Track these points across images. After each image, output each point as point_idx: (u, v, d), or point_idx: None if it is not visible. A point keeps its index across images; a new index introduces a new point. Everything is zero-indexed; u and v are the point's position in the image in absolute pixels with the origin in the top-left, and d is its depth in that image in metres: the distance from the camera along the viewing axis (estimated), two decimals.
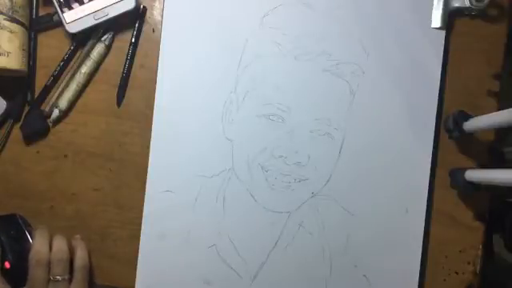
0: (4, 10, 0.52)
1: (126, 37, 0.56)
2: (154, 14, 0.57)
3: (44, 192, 0.56)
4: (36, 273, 0.48)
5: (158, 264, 0.54)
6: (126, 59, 0.55)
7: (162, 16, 0.55)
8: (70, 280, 0.50)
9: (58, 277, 0.48)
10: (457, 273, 0.55)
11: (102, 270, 0.55)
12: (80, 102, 0.56)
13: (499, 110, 0.51)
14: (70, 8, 0.53)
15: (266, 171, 0.53)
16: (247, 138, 0.54)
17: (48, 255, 0.49)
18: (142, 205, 0.54)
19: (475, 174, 0.49)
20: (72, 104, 0.56)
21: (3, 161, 0.56)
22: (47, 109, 0.55)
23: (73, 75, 0.55)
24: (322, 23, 0.54)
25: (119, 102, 0.56)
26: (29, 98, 0.56)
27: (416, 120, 0.54)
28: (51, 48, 0.56)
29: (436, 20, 0.54)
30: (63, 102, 0.55)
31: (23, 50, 0.53)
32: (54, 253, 0.49)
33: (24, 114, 0.56)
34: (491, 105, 0.55)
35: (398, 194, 0.54)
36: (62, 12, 0.53)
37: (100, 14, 0.53)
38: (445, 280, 0.55)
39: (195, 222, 0.54)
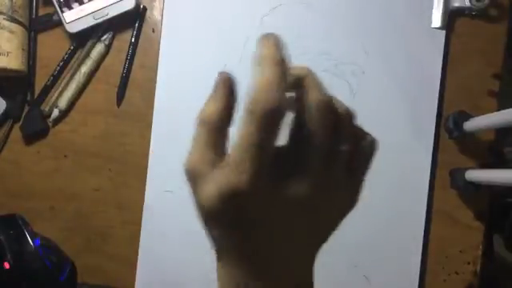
0: (4, 10, 0.52)
1: (126, 37, 0.56)
2: (154, 13, 0.56)
3: (44, 192, 0.56)
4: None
5: (158, 264, 0.54)
6: (126, 59, 0.55)
7: (162, 16, 0.55)
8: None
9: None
10: (457, 273, 0.55)
11: (102, 270, 0.55)
12: (80, 101, 0.56)
13: (499, 109, 0.51)
14: (70, 8, 0.53)
15: None
16: None
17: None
18: (142, 205, 0.54)
19: (475, 174, 0.49)
20: (72, 104, 0.56)
21: (3, 161, 0.56)
22: (47, 109, 0.55)
23: (73, 75, 0.55)
24: (322, 23, 0.54)
25: (119, 102, 0.56)
26: (29, 97, 0.56)
27: (416, 120, 0.54)
28: (51, 48, 0.56)
29: (436, 20, 0.54)
30: (63, 102, 0.55)
31: (23, 49, 0.53)
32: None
33: (24, 114, 0.56)
34: (491, 105, 0.55)
35: (398, 194, 0.54)
36: (62, 12, 0.53)
37: (100, 14, 0.53)
38: (445, 280, 0.55)
39: (195, 222, 0.53)
